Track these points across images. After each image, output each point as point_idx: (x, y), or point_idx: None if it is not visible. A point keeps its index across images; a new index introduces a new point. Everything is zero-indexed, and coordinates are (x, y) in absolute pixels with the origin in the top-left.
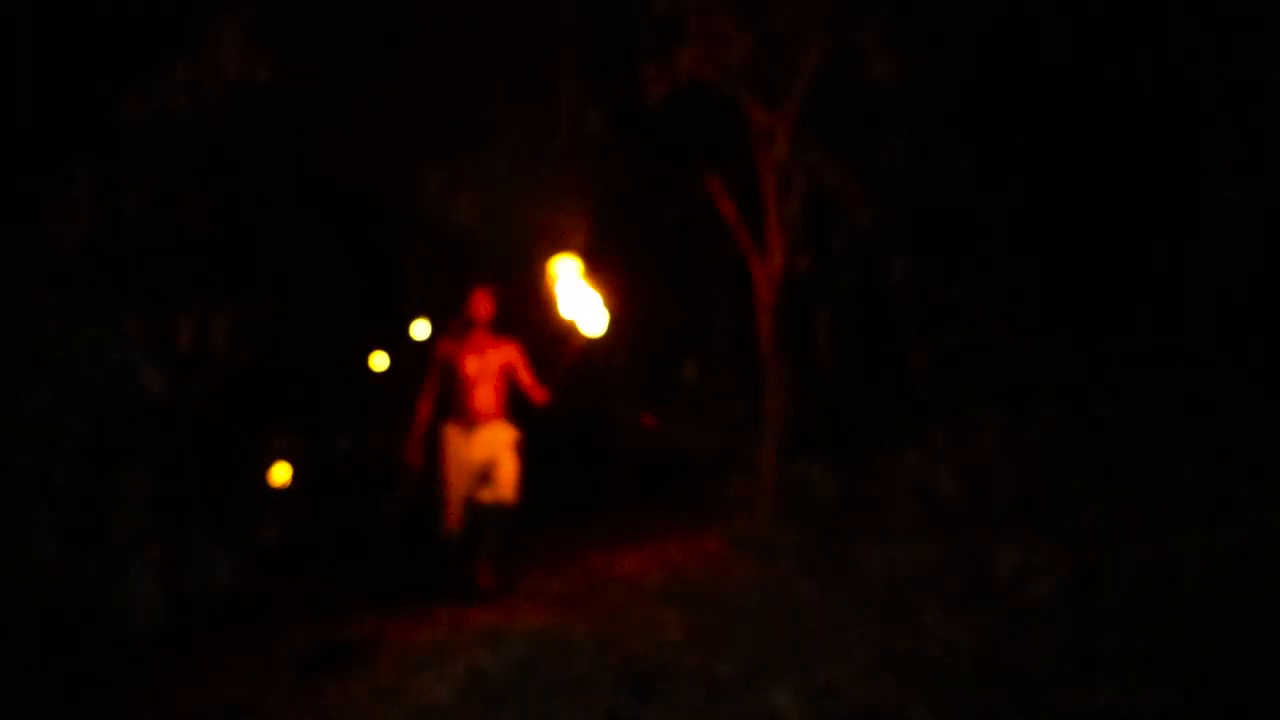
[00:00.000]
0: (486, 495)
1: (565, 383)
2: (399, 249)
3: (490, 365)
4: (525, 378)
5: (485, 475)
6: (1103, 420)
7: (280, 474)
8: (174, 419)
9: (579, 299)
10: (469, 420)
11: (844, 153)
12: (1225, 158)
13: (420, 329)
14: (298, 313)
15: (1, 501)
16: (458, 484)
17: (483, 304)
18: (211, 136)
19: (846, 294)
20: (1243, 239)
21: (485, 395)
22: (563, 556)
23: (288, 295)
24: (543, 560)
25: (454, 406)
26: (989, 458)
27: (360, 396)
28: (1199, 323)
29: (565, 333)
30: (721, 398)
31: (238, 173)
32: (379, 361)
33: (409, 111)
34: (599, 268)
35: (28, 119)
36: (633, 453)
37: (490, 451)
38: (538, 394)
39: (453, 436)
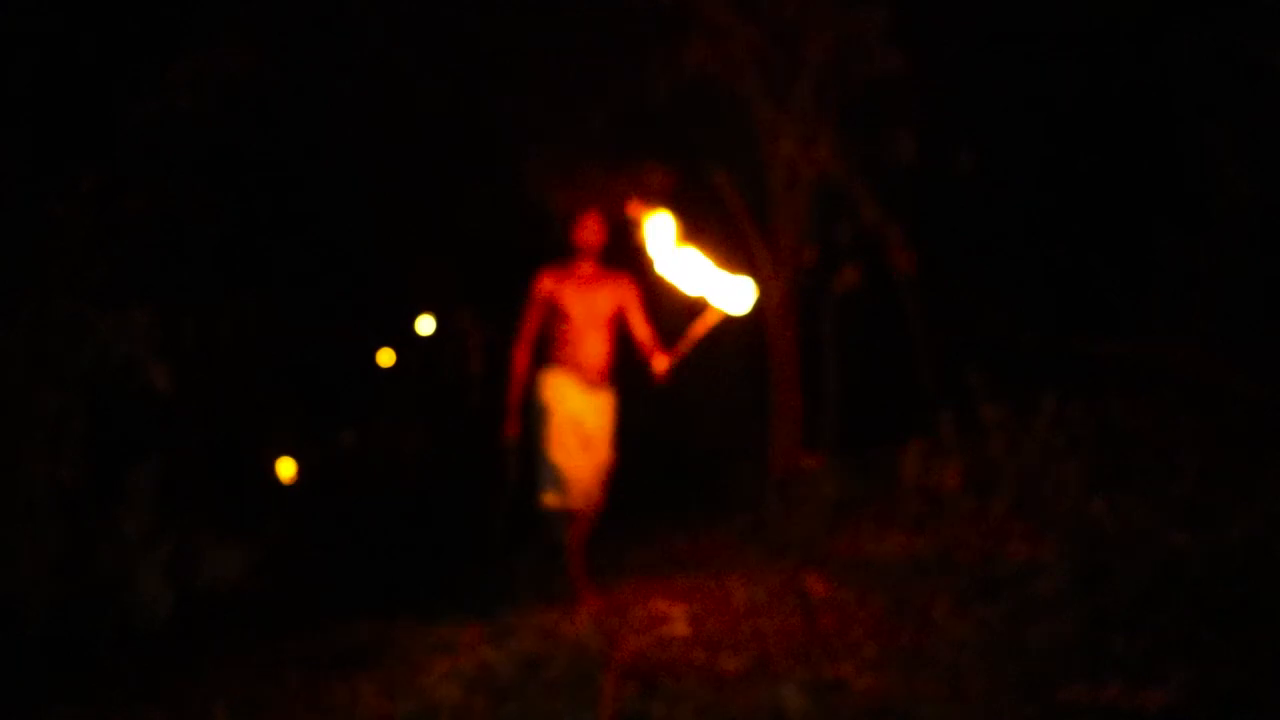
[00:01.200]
0: (582, 483)
1: (688, 357)
2: (413, 244)
3: (600, 309)
4: (642, 331)
5: (584, 461)
6: (1108, 415)
7: (286, 470)
8: (181, 416)
9: (713, 271)
10: (580, 375)
11: (851, 148)
12: (1233, 152)
13: (425, 324)
14: (304, 309)
15: (8, 500)
16: (570, 445)
17: (592, 229)
18: (215, 133)
19: (853, 289)
20: (1250, 234)
21: (596, 348)
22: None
23: (294, 291)
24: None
25: (557, 357)
26: (995, 453)
27: (367, 393)
28: (1205, 318)
29: (694, 305)
30: (730, 392)
31: (243, 168)
32: (385, 358)
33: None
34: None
35: (30, 118)
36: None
37: (599, 430)
38: (657, 359)
39: (562, 386)
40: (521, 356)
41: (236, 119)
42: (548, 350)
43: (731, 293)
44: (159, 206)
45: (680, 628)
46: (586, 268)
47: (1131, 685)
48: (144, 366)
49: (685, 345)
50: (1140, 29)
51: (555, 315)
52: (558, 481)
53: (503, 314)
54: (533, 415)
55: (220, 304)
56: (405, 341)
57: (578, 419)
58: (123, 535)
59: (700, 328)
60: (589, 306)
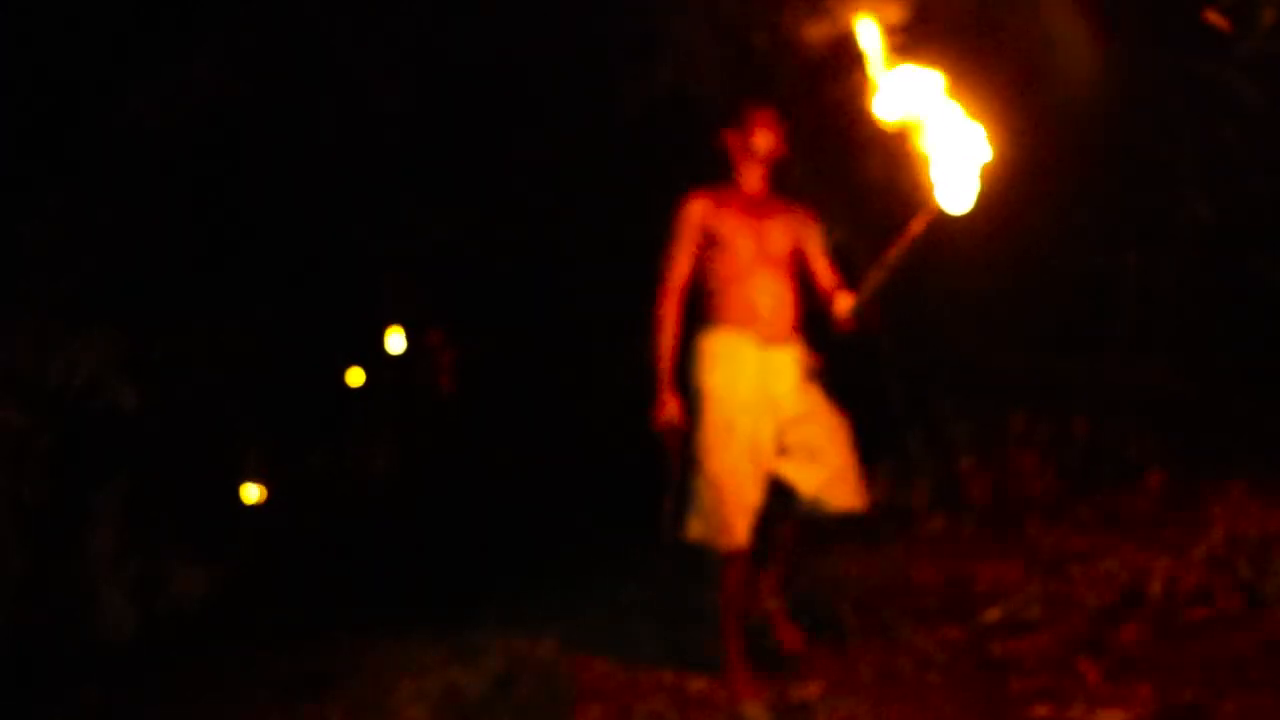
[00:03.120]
0: (809, 482)
1: (886, 292)
2: (382, 260)
3: (776, 243)
4: (824, 273)
5: (789, 441)
6: (1074, 432)
7: (253, 491)
8: (147, 436)
9: (944, 148)
10: (755, 329)
11: (822, 167)
12: (1194, 170)
13: (395, 341)
14: (272, 327)
15: None
16: (744, 443)
17: (767, 133)
18: (184, 150)
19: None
20: (1209, 251)
21: (775, 295)
22: (528, 572)
23: (261, 309)
24: (517, 572)
25: (719, 310)
26: (962, 470)
27: (336, 412)
28: (1168, 333)
29: (914, 202)
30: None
31: (211, 185)
32: (354, 376)
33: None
34: None
35: None
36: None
37: (796, 394)
38: (841, 306)
39: (732, 350)
40: (670, 310)
41: (205, 136)
42: (704, 304)
43: (953, 181)
44: (126, 224)
45: (649, 648)
46: (755, 189)
47: (1095, 704)
48: (111, 386)
49: (880, 273)
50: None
51: (714, 254)
52: (710, 503)
53: (474, 331)
54: (690, 404)
55: (188, 323)
56: (375, 359)
57: (765, 400)
58: (87, 555)
59: (908, 238)
60: (762, 240)
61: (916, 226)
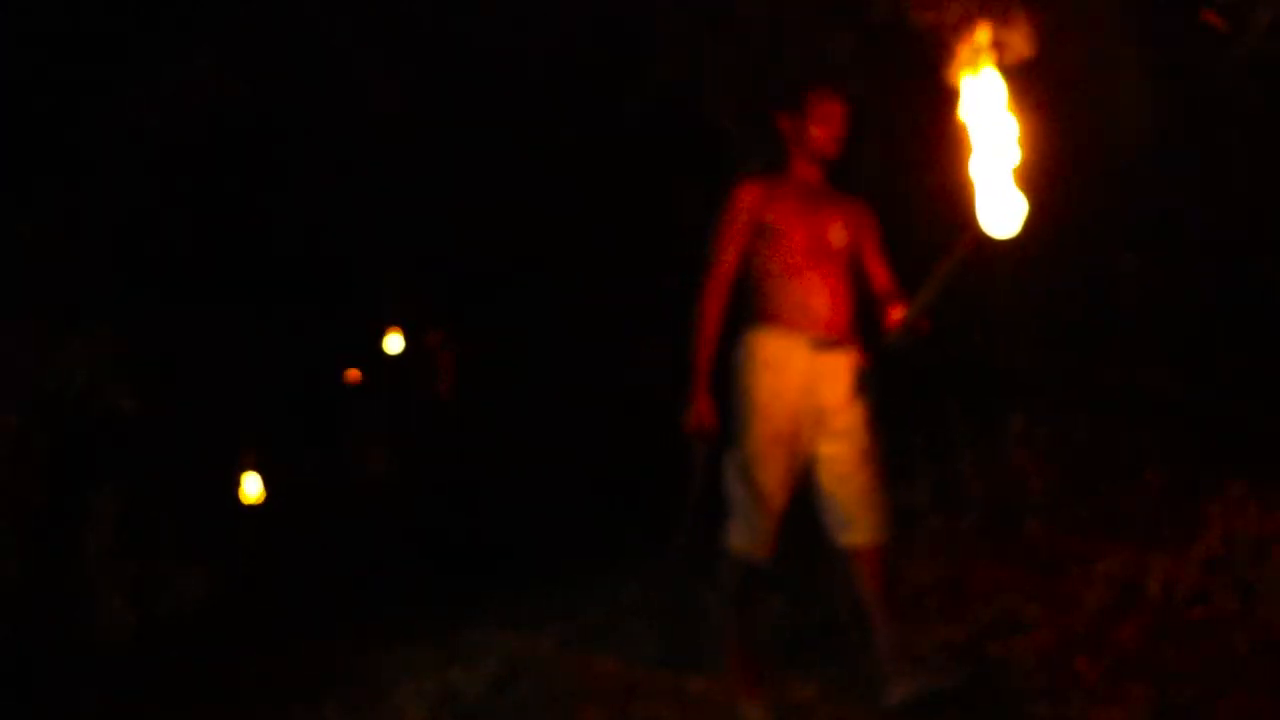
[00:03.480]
0: (832, 510)
1: (938, 301)
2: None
3: (833, 238)
4: (880, 274)
5: (821, 454)
6: (1074, 434)
7: (252, 492)
8: (145, 438)
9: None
10: (808, 330)
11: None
12: (1193, 170)
13: (394, 342)
14: (270, 327)
15: None
16: (789, 454)
17: (833, 118)
18: (183, 151)
19: None
20: (1208, 252)
21: (831, 294)
22: (527, 572)
23: (259, 309)
24: (515, 573)
25: (769, 307)
26: (963, 473)
27: (333, 412)
28: (1167, 334)
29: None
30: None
31: (209, 186)
32: (352, 376)
33: None
34: None
35: None
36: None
37: (843, 408)
38: (893, 317)
39: (782, 351)
40: (714, 304)
41: (204, 136)
42: (752, 301)
43: (1000, 207)
44: (124, 224)
45: (648, 649)
46: (812, 179)
47: (1093, 703)
48: (108, 388)
49: (931, 290)
50: None
51: (766, 246)
52: (754, 515)
53: (473, 331)
54: (732, 399)
55: (186, 324)
56: (373, 360)
57: (809, 408)
58: (85, 557)
59: (953, 260)
60: (818, 233)
61: (968, 244)
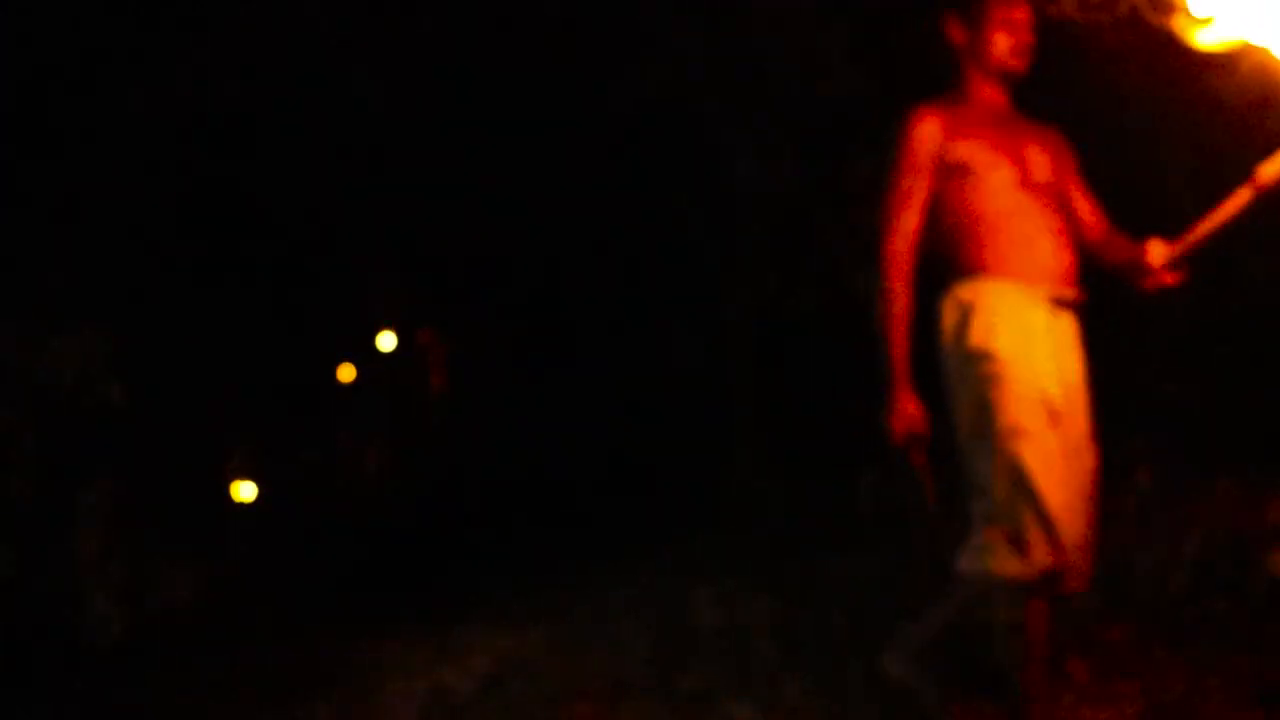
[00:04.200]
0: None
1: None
2: (373, 258)
3: (1040, 171)
4: (1092, 216)
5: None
6: None
7: (244, 490)
8: (135, 435)
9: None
10: (1043, 282)
11: (813, 170)
12: (1186, 167)
13: (386, 340)
14: (262, 324)
15: None
16: (1048, 439)
17: (1019, 24)
18: (176, 150)
19: (815, 311)
20: (1199, 250)
21: (1051, 232)
22: (517, 571)
23: (252, 306)
24: (505, 572)
25: (986, 255)
26: (949, 471)
27: (327, 410)
28: (1158, 333)
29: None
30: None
31: (203, 184)
32: (345, 373)
33: None
34: None
35: None
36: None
37: (1080, 398)
38: (1155, 254)
39: (1011, 309)
40: (898, 277)
41: (197, 135)
42: (954, 251)
43: None
44: (116, 222)
45: (637, 648)
46: (997, 102)
47: (1082, 700)
48: (99, 384)
49: (1211, 224)
50: None
51: (958, 189)
52: (1019, 520)
53: (465, 329)
54: (953, 383)
55: (177, 320)
56: (366, 357)
57: (1046, 382)
58: (74, 554)
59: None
60: (1023, 167)
61: (1268, 176)
